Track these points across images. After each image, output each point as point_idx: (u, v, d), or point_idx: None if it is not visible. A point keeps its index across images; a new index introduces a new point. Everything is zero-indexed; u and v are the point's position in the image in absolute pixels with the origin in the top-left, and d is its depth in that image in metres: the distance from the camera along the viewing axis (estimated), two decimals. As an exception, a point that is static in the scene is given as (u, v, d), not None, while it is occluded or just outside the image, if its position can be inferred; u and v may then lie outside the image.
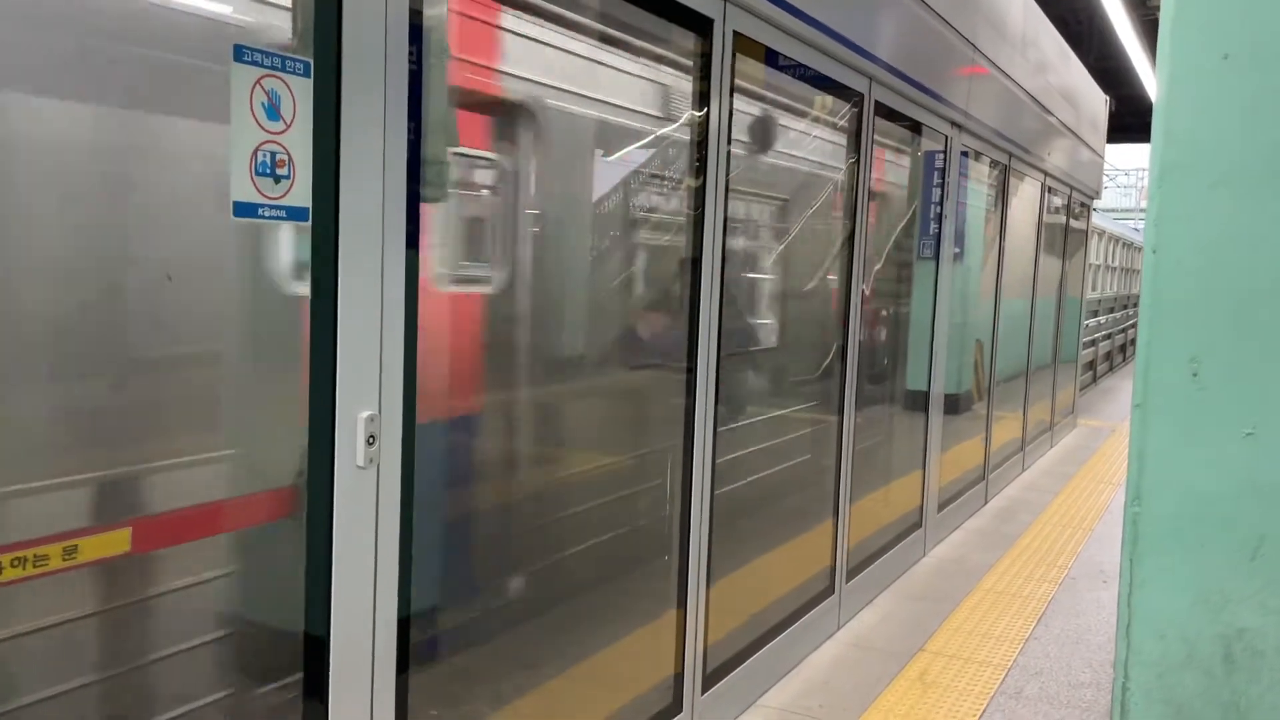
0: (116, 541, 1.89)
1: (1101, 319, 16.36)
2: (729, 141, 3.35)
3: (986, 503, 7.17)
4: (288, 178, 1.91)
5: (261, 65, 1.86)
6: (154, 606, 2.10)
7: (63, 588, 1.85)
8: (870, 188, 4.65)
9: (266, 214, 1.90)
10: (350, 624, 2.08)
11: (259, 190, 1.87)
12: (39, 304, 1.84)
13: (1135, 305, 19.03)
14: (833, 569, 4.55)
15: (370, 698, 2.15)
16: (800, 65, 3.90)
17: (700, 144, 3.26)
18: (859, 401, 4.73)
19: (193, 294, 2.08)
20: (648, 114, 3.51)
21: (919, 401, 5.88)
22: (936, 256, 5.82)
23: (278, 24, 2.04)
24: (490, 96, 2.94)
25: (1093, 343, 14.57)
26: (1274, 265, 1.72)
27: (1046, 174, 8.37)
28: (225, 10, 2.12)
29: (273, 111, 1.88)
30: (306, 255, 2.01)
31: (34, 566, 1.71)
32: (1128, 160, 40.76)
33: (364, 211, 2.03)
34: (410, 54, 2.09)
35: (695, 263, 3.27)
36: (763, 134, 4.17)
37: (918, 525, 5.73)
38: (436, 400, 2.64)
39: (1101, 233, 16.22)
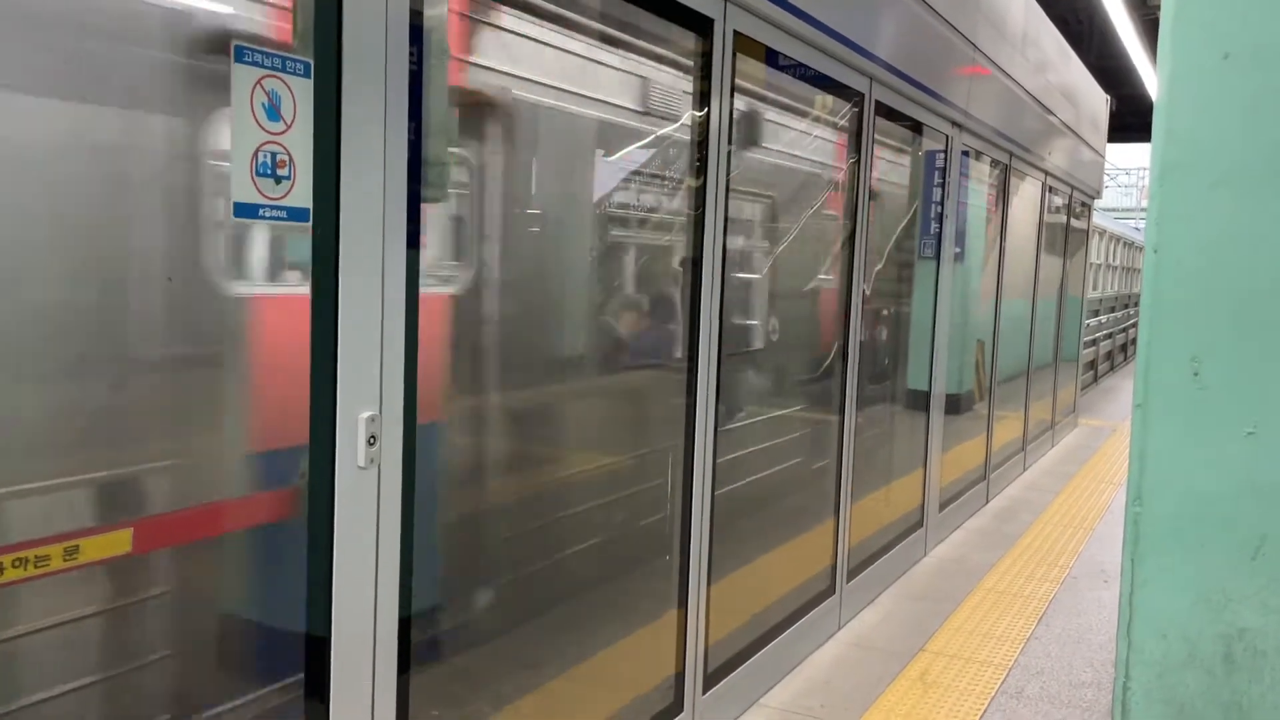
0: (118, 542, 1.89)
1: (1102, 318, 16.36)
2: (730, 141, 3.35)
3: (987, 502, 7.17)
4: (288, 178, 1.91)
5: (262, 66, 1.86)
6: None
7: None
8: (871, 187, 4.65)
9: (267, 215, 1.90)
10: (351, 624, 2.09)
11: (260, 191, 1.87)
12: None
13: (1136, 304, 19.03)
14: (834, 568, 4.55)
15: (371, 698, 2.15)
16: (801, 65, 3.90)
17: (701, 144, 3.26)
18: (860, 401, 4.73)
19: (97, 293, 1.88)
20: (644, 113, 3.50)
21: (920, 401, 5.88)
22: (937, 256, 5.82)
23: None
24: (471, 93, 2.89)
25: (1094, 342, 14.56)
26: (1275, 265, 1.72)
27: (1047, 173, 8.36)
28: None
29: (273, 112, 1.88)
30: (262, 252, 1.96)
31: (35, 567, 1.71)
32: (1129, 159, 40.74)
33: (365, 212, 2.03)
34: (410, 54, 2.09)
35: (696, 263, 3.27)
36: (749, 129, 4.14)
37: (919, 525, 5.73)
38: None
39: (1102, 232, 16.22)
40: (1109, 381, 15.56)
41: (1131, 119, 14.93)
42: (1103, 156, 10.78)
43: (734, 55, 3.31)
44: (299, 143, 1.92)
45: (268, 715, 2.24)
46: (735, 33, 3.30)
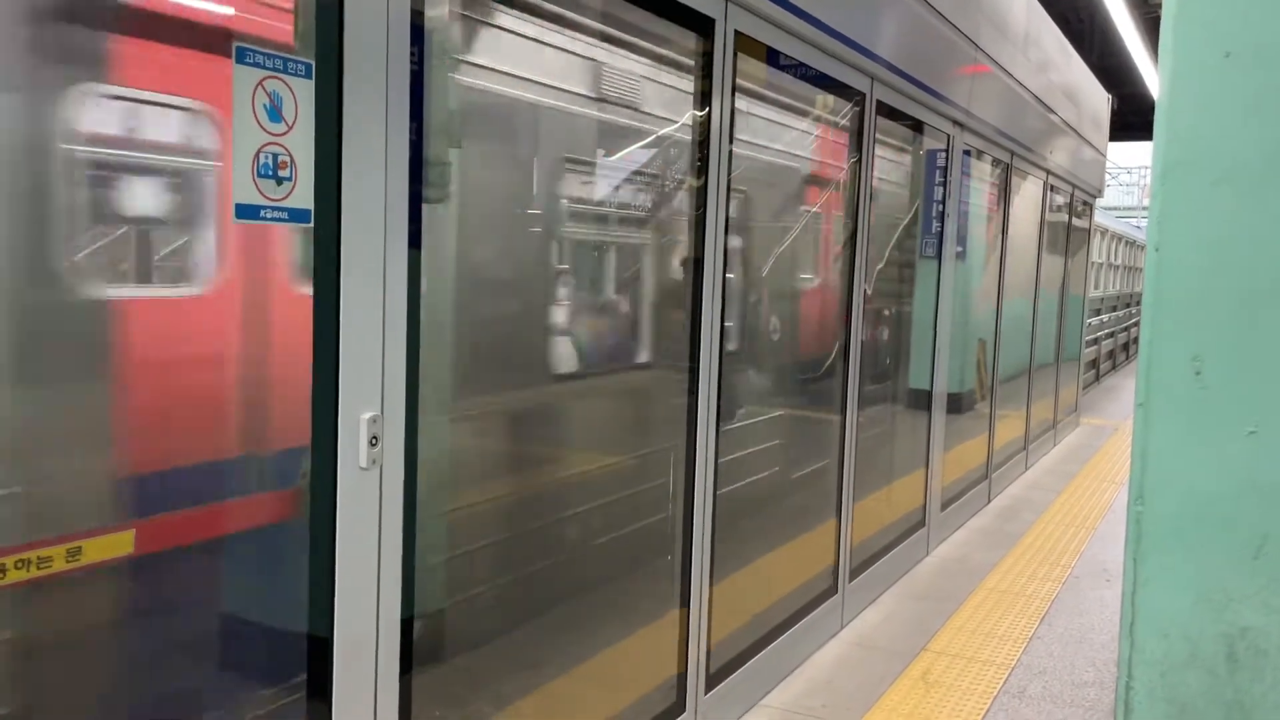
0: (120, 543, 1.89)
1: (1104, 317, 16.35)
2: (730, 141, 3.35)
3: (989, 502, 7.17)
4: (290, 179, 1.92)
5: (263, 67, 1.86)
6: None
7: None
8: (872, 187, 4.65)
9: (269, 216, 1.90)
10: (354, 624, 2.09)
11: (261, 192, 1.87)
12: None
13: (1138, 303, 19.02)
14: (836, 568, 4.55)
15: (374, 698, 2.15)
16: (802, 64, 3.90)
17: (702, 144, 3.26)
18: (861, 400, 4.72)
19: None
20: (648, 114, 3.50)
21: (922, 400, 5.88)
22: (939, 255, 5.81)
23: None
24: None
25: (1095, 341, 14.56)
26: (1277, 264, 1.71)
27: (1049, 172, 8.36)
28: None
29: (275, 113, 1.88)
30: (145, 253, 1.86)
31: (37, 568, 1.71)
32: (1130, 158, 40.72)
33: (366, 212, 2.03)
34: (412, 55, 2.09)
35: (698, 262, 3.27)
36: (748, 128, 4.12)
37: (921, 524, 5.73)
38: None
39: (1104, 231, 16.21)
40: (1111, 380, 15.54)
41: (1133, 117, 14.92)
42: (1104, 155, 10.78)
43: (735, 55, 3.31)
44: (300, 144, 1.92)
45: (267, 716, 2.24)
46: (736, 32, 3.30)
